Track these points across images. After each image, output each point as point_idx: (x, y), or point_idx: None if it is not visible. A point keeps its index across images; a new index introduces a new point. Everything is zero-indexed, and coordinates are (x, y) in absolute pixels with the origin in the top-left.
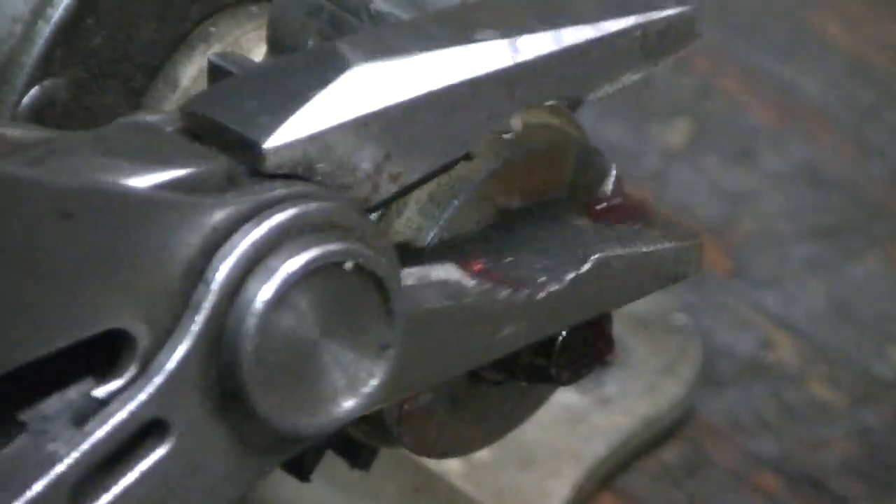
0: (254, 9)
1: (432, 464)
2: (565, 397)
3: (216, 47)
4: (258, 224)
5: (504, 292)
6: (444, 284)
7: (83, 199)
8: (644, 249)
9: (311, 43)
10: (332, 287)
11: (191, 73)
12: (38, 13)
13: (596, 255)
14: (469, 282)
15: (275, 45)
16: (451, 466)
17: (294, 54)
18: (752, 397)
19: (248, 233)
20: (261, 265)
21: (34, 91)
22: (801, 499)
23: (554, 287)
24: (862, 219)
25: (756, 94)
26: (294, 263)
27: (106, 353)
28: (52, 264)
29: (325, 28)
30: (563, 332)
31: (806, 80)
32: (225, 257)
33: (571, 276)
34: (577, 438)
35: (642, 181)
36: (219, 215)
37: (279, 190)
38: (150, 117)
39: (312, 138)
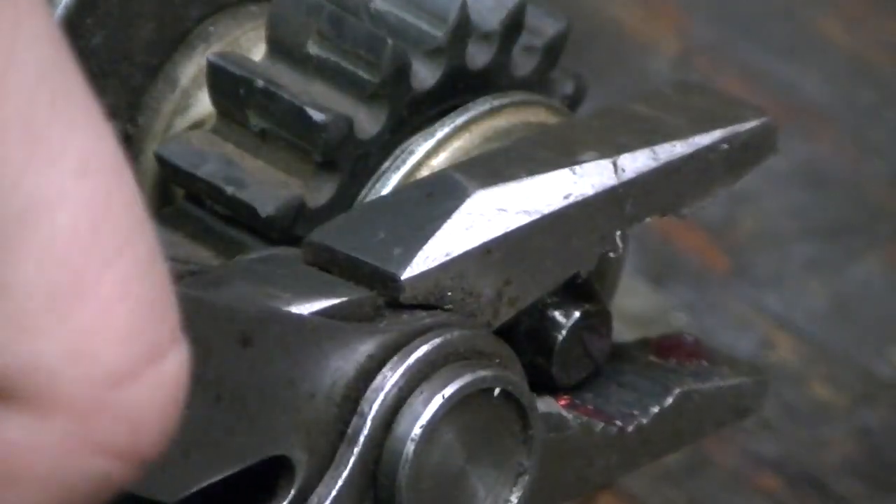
0: (253, 8)
1: None
2: None
3: (216, 47)
4: (410, 354)
5: (599, 425)
6: (548, 416)
7: (262, 325)
8: (720, 384)
9: (310, 43)
10: (479, 414)
11: (190, 72)
12: None
13: (677, 390)
14: (568, 414)
15: (274, 45)
16: None
17: (407, 185)
18: None
19: (401, 362)
20: (415, 395)
21: None
22: (802, 499)
23: (642, 420)
24: (862, 219)
25: (756, 94)
26: (448, 392)
27: (264, 479)
28: (235, 390)
29: (324, 27)
30: (563, 333)
31: (806, 79)
32: (380, 387)
33: (656, 409)
34: None
35: None
36: (372, 344)
37: (426, 319)
38: (281, 250)
39: (444, 267)
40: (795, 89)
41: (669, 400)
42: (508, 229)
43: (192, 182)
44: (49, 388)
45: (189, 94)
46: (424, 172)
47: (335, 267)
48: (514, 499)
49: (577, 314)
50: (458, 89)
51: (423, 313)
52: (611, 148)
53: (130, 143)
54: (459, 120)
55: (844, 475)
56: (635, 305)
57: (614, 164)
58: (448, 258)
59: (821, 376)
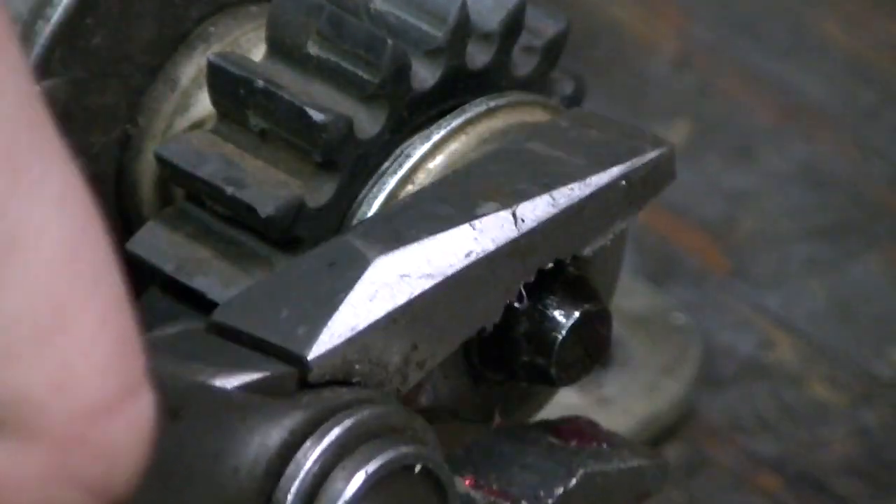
0: (253, 9)
1: None
2: (565, 398)
3: (216, 47)
4: (332, 429)
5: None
6: (464, 497)
7: (190, 398)
8: (621, 466)
9: (310, 43)
10: (399, 491)
11: (190, 72)
12: (38, 13)
13: (581, 471)
14: (475, 494)
15: (274, 45)
16: None
17: (307, 254)
18: (752, 397)
19: (323, 438)
20: (336, 471)
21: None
22: (801, 499)
23: (547, 501)
24: (862, 219)
25: (756, 94)
26: (370, 469)
27: None
28: (163, 463)
29: (324, 28)
30: (563, 333)
31: (806, 79)
32: (302, 463)
33: (560, 490)
34: None
35: None
36: (295, 419)
37: (346, 395)
38: (188, 326)
39: (350, 342)
40: (795, 89)
41: (573, 482)
42: (412, 295)
43: (191, 182)
44: (34, 419)
45: (189, 95)
46: (421, 175)
47: (243, 346)
48: None
49: (577, 314)
50: (458, 89)
51: (344, 389)
52: (510, 197)
53: (130, 143)
54: (455, 122)
55: (844, 475)
56: (634, 305)
57: (514, 216)
58: (354, 332)
59: (820, 376)
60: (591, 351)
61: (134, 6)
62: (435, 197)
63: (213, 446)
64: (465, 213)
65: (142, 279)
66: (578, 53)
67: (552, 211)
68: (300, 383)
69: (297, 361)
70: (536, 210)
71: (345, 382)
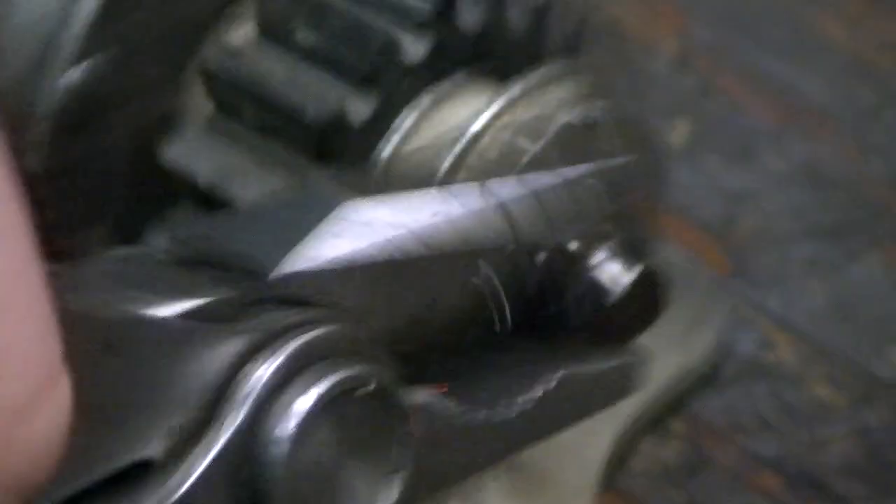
0: None
1: None
2: None
3: (249, 24)
4: (277, 352)
5: (482, 412)
6: (429, 405)
7: (124, 331)
8: (601, 365)
9: (298, 33)
10: (352, 412)
11: (236, 41)
12: None
13: (560, 372)
14: (450, 402)
15: (264, 30)
16: None
17: (278, 193)
18: (752, 397)
19: (269, 361)
20: (285, 393)
21: (78, 69)
22: (802, 499)
23: (526, 405)
24: (862, 219)
25: (756, 94)
26: (320, 390)
27: (129, 484)
28: (100, 397)
29: (310, 15)
30: (619, 292)
31: (806, 79)
32: (248, 387)
33: (539, 393)
34: None
35: None
36: (238, 344)
37: (292, 317)
38: (142, 249)
39: (308, 273)
40: (796, 90)
41: (553, 384)
42: (374, 241)
43: (236, 86)
44: None
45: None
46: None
47: (201, 265)
48: (391, 493)
49: (635, 271)
50: (452, 57)
51: (291, 310)
52: (484, 176)
53: (172, 119)
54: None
55: (844, 475)
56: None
57: (483, 188)
58: (312, 263)
59: (821, 376)
60: (645, 310)
61: None
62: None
63: (150, 377)
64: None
65: (173, 191)
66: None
67: (522, 191)
68: (257, 303)
69: (257, 278)
70: (506, 188)
71: (297, 303)
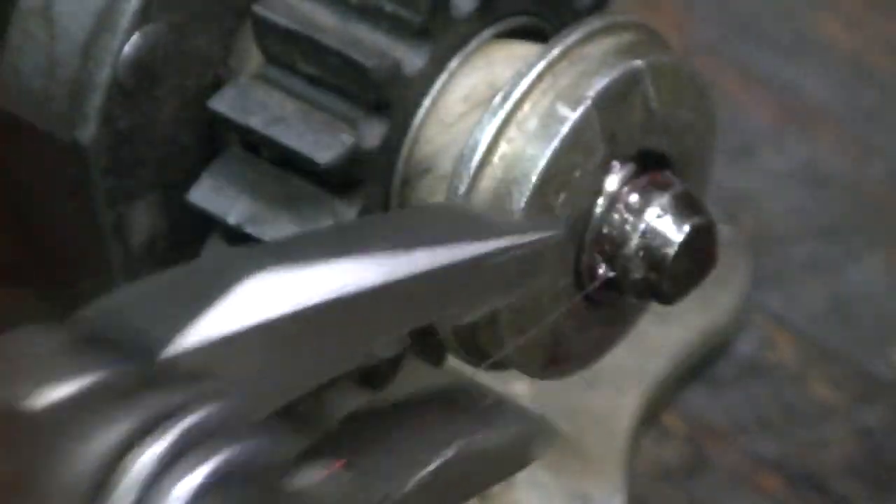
0: None
1: (500, 387)
2: None
3: None
4: (158, 437)
5: (379, 492)
6: (320, 488)
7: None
8: (501, 435)
9: None
10: (236, 492)
11: None
12: None
13: (454, 447)
14: (344, 483)
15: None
16: (518, 390)
17: (191, 262)
18: (752, 397)
19: (149, 447)
20: (166, 479)
21: (136, 37)
22: (802, 499)
23: (422, 478)
24: (862, 219)
25: (756, 94)
26: (199, 474)
27: None
28: None
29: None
30: (675, 248)
31: (806, 79)
32: (129, 475)
33: (431, 468)
34: (638, 356)
35: None
36: (120, 430)
37: (179, 396)
38: (52, 328)
39: (204, 349)
40: (796, 90)
41: (445, 458)
42: (277, 314)
43: (245, 132)
44: None
45: None
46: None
47: (102, 341)
48: None
49: (686, 228)
50: (498, 7)
51: (180, 389)
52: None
53: (222, 87)
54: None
55: (844, 475)
56: None
57: (396, 259)
58: (212, 338)
59: (821, 376)
60: (700, 264)
61: None
62: (329, 233)
63: (32, 463)
64: (353, 251)
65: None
66: None
67: (429, 265)
68: (139, 385)
69: (145, 360)
70: (415, 262)
71: (189, 380)
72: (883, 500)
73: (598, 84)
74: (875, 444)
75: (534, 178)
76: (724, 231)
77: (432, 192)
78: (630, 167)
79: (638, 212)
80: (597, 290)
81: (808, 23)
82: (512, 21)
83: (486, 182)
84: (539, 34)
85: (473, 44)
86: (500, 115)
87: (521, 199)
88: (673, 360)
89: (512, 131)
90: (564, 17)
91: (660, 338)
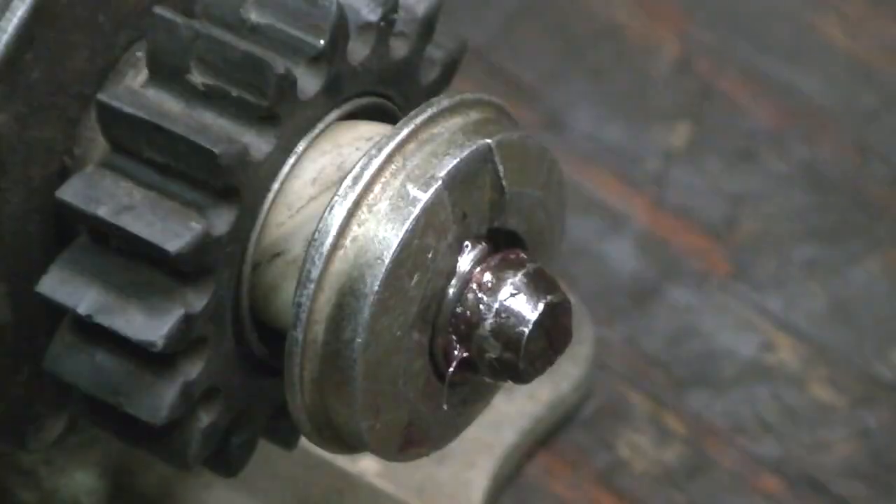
0: None
1: (348, 465)
2: None
3: (144, 73)
4: None
5: None
6: None
7: None
8: None
9: (193, 72)
10: None
11: (133, 85)
12: None
13: None
14: None
15: (158, 75)
16: (368, 466)
17: None
18: (753, 399)
19: None
20: None
21: None
22: (802, 500)
23: None
24: (862, 221)
25: (757, 96)
26: None
27: None
28: None
29: (204, 55)
30: (529, 327)
31: (807, 82)
32: None
33: None
34: (487, 429)
35: (643, 184)
36: None
37: None
38: None
39: None
40: (796, 92)
41: None
42: None
43: (91, 222)
44: None
45: None
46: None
47: None
48: None
49: (540, 306)
50: (343, 88)
51: None
52: None
53: (68, 176)
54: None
55: (845, 476)
56: None
57: None
58: None
59: (821, 378)
60: (555, 342)
61: (67, 37)
62: None
63: None
64: None
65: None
66: (580, 55)
67: None
68: None
69: None
70: None
71: None
72: (883, 501)
73: (448, 164)
74: (875, 445)
75: (386, 261)
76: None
77: (284, 276)
78: (483, 246)
79: (491, 291)
80: (454, 370)
81: (809, 25)
82: (359, 101)
83: (339, 265)
84: (388, 113)
85: (320, 126)
86: (351, 198)
87: (374, 283)
88: (520, 432)
89: (363, 214)
90: (411, 95)
91: (507, 410)
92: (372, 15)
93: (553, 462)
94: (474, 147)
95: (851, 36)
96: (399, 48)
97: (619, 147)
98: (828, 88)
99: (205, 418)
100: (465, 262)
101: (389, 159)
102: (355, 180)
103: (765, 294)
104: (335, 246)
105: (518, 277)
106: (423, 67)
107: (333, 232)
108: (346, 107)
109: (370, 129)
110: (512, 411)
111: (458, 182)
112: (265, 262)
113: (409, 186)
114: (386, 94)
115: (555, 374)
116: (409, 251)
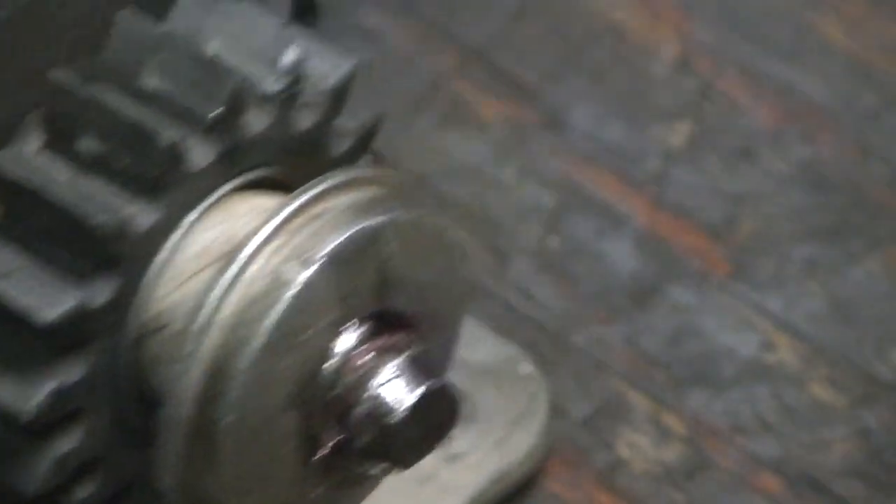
0: None
1: None
2: None
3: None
4: None
5: None
6: None
7: None
8: None
9: (82, 139)
10: None
11: (24, 151)
12: None
13: None
14: None
15: (48, 140)
16: None
17: None
18: (752, 398)
19: None
20: None
21: None
22: (802, 500)
23: None
24: (862, 220)
25: (757, 96)
26: None
27: None
28: None
29: (94, 122)
30: (403, 412)
31: (806, 81)
32: None
33: None
34: (427, 499)
35: (643, 183)
36: None
37: None
38: None
39: None
40: (796, 91)
41: None
42: None
43: None
44: None
45: None
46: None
47: None
48: None
49: (417, 392)
50: (238, 159)
51: None
52: None
53: None
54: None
55: (844, 476)
56: (480, 357)
57: None
58: None
59: (821, 378)
60: (433, 428)
61: None
62: None
63: None
64: None
65: None
66: (579, 55)
67: None
68: None
69: None
70: None
71: None
72: (883, 502)
73: (331, 243)
74: (875, 444)
75: (261, 339)
76: (524, 367)
77: (166, 349)
78: (367, 327)
79: (369, 374)
80: (329, 453)
81: (809, 24)
82: (260, 172)
83: (212, 342)
84: (292, 185)
85: (214, 197)
86: (230, 274)
87: (246, 360)
88: (466, 502)
89: (241, 290)
90: (321, 167)
91: (450, 481)
92: (274, 86)
93: (552, 462)
94: (361, 226)
95: (851, 36)
96: (305, 119)
97: (619, 147)
98: (828, 88)
99: (80, 491)
100: (346, 342)
101: (273, 235)
102: (234, 256)
103: (764, 294)
104: (209, 322)
105: (398, 361)
106: (334, 139)
107: (210, 307)
108: (245, 178)
109: (267, 202)
110: (455, 481)
111: (342, 262)
112: (149, 333)
113: (289, 264)
114: (291, 165)
115: (504, 443)
116: (283, 330)
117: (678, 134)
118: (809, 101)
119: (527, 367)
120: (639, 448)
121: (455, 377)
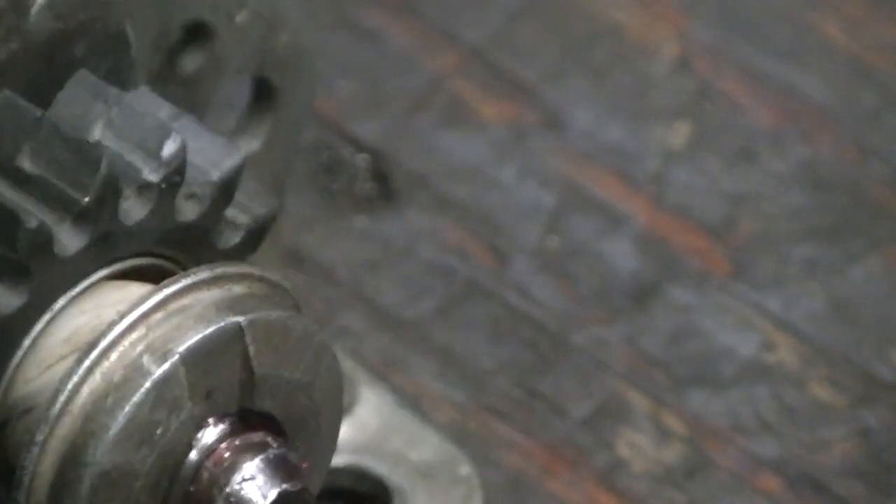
0: None
1: None
2: None
3: None
4: None
5: None
6: None
7: None
8: None
9: None
10: None
11: None
12: None
13: None
14: None
15: None
16: None
17: None
18: (752, 398)
19: None
20: None
21: None
22: (802, 500)
23: None
24: (863, 220)
25: (757, 96)
26: None
27: None
28: None
29: None
30: None
31: (807, 81)
32: None
33: None
34: None
35: (642, 183)
36: None
37: None
38: None
39: None
40: (796, 91)
41: None
42: None
43: None
44: None
45: None
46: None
47: None
48: None
49: (273, 494)
50: (113, 247)
51: None
52: None
53: None
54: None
55: (845, 476)
56: (421, 455)
57: None
58: None
59: (821, 377)
60: None
61: None
62: None
63: None
64: None
65: None
66: (579, 56)
67: None
68: None
69: None
70: None
71: None
72: (883, 502)
73: (189, 340)
74: (875, 445)
75: (111, 432)
76: (462, 469)
77: (29, 433)
78: (228, 425)
79: (226, 473)
80: None
81: (809, 24)
82: (137, 261)
83: (65, 431)
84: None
85: (84, 284)
86: (86, 363)
87: (96, 453)
88: None
89: (96, 381)
90: (206, 260)
91: None
92: (152, 175)
93: (552, 462)
94: (221, 324)
95: (851, 36)
96: (189, 211)
97: (619, 146)
98: (827, 88)
99: None
100: (206, 438)
101: (132, 328)
102: (92, 346)
103: (764, 294)
104: (63, 411)
105: (256, 461)
106: (221, 232)
107: (63, 396)
108: (119, 266)
109: (139, 292)
110: None
111: (200, 358)
112: (15, 417)
113: (146, 358)
114: (173, 256)
115: None
116: (135, 425)
117: (678, 134)
118: (809, 101)
119: (465, 469)
120: (639, 448)
121: (393, 474)
